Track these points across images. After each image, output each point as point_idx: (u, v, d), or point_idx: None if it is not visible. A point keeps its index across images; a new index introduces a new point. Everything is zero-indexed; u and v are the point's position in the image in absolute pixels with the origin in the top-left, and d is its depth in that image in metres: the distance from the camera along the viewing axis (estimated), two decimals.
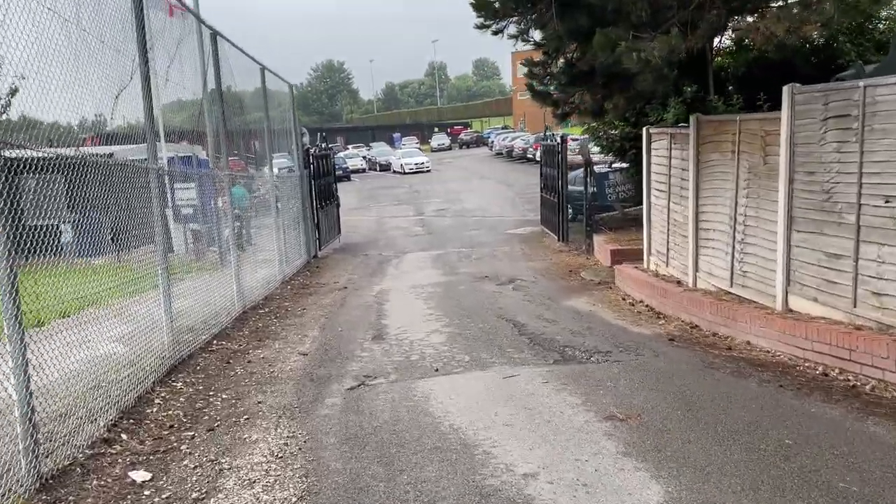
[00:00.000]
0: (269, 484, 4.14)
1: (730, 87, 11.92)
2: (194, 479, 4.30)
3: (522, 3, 8.77)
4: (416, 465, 4.20)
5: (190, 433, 5.08)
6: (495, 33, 9.04)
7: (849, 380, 5.31)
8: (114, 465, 4.54)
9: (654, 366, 6.06)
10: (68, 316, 5.32)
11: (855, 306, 5.83)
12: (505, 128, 66.32)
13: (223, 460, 4.54)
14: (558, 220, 14.55)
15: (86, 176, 5.13)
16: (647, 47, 6.90)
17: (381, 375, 6.17)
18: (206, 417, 5.40)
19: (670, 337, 7.16)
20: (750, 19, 8.63)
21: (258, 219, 11.71)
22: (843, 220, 5.92)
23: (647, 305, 8.78)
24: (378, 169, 47.21)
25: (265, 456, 4.55)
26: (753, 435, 4.35)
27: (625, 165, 14.19)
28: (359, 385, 5.93)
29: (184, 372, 6.51)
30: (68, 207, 5.16)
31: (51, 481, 4.18)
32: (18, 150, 4.23)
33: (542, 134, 22.69)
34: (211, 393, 5.98)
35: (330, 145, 19.11)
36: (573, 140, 16.28)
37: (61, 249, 5.24)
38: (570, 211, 14.46)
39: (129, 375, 5.70)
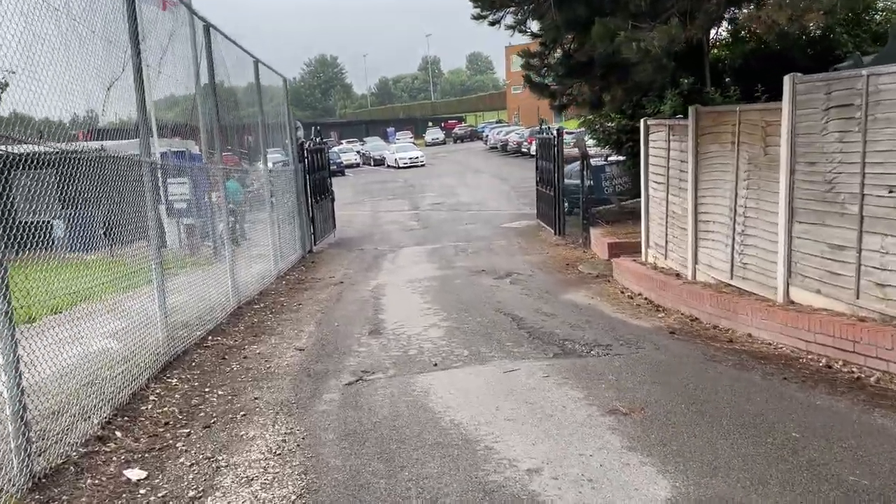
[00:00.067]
0: (267, 481, 4.05)
1: (727, 79, 11.85)
2: (191, 477, 4.22)
3: None
4: (418, 462, 4.13)
5: (186, 430, 4.99)
6: (492, 24, 8.94)
7: (853, 372, 5.25)
8: (108, 464, 4.45)
9: (655, 359, 6.00)
10: (60, 312, 5.23)
11: (858, 298, 5.77)
12: (499, 122, 66.22)
13: (220, 457, 4.46)
14: (555, 213, 14.48)
15: (77, 170, 5.03)
16: (646, 37, 6.82)
17: (380, 370, 6.09)
18: (202, 414, 5.31)
19: (671, 330, 7.10)
20: (747, 10, 8.56)
21: (252, 213, 11.60)
22: (846, 210, 5.85)
23: (645, 298, 8.71)
24: (372, 163, 47.05)
25: (263, 453, 4.47)
26: (759, 428, 4.29)
27: (621, 158, 14.12)
28: (357, 380, 5.85)
29: (179, 368, 6.41)
30: (60, 202, 5.06)
31: (44, 480, 4.09)
32: (8, 146, 4.13)
33: (537, 128, 22.59)
34: (206, 389, 5.89)
35: (324, 140, 18.98)
36: (568, 133, 16.21)
37: (53, 244, 5.15)
38: (566, 204, 14.38)
39: (122, 372, 5.60)
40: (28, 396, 4.12)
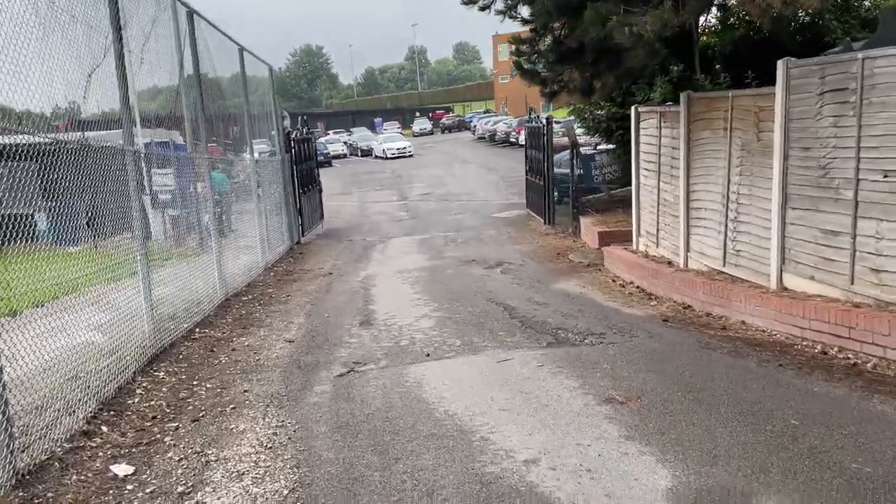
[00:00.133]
0: (258, 476, 3.96)
1: (716, 66, 11.78)
2: (179, 472, 4.12)
3: None
4: (413, 453, 4.04)
5: (174, 424, 4.88)
6: (482, 9, 8.81)
7: (849, 358, 5.22)
8: (94, 459, 4.33)
9: (649, 347, 5.95)
10: (44, 305, 5.09)
11: (852, 283, 5.74)
12: (487, 112, 66.01)
13: (209, 452, 4.36)
14: (544, 202, 14.40)
15: (59, 161, 4.89)
16: (639, 21, 6.72)
17: (371, 361, 5.99)
18: (191, 407, 5.20)
19: (664, 318, 7.05)
20: None
21: (239, 204, 11.44)
22: (841, 195, 5.81)
23: (637, 287, 8.67)
24: (359, 154, 46.74)
25: (254, 446, 4.37)
26: (758, 416, 4.24)
27: (611, 147, 14.04)
28: (348, 372, 5.75)
29: (166, 361, 6.29)
30: (42, 195, 4.92)
31: (28, 477, 3.97)
32: None
33: (525, 117, 22.49)
34: (195, 382, 5.77)
35: (311, 130, 18.79)
36: (557, 123, 16.11)
37: (36, 237, 5.02)
38: (555, 194, 14.30)
39: (108, 365, 5.48)
40: (10, 391, 4.00)
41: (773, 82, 6.72)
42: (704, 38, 12.59)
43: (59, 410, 4.62)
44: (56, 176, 4.87)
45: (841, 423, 4.01)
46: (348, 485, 3.74)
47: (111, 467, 4.24)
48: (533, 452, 3.93)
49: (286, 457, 4.17)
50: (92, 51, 5.85)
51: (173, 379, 5.85)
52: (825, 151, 5.95)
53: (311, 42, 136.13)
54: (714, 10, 11.42)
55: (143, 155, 7.31)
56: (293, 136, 14.96)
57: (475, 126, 52.14)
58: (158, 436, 4.68)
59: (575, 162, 13.36)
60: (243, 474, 4.00)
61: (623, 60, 7.90)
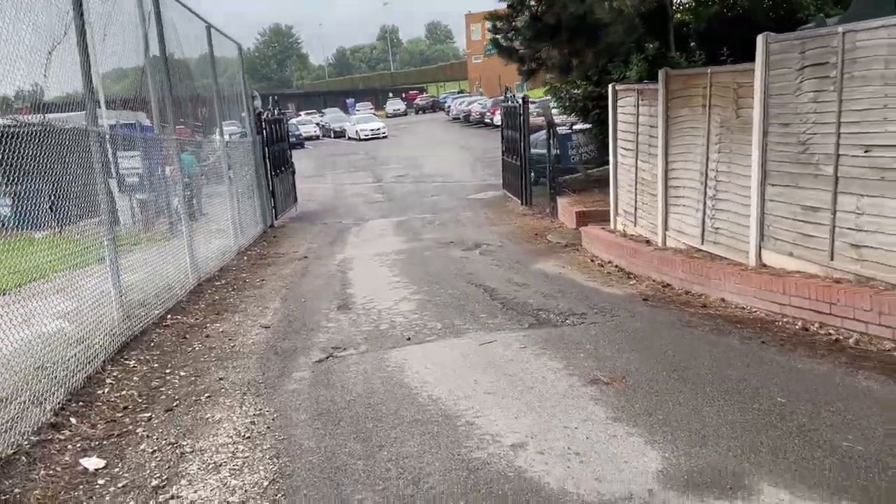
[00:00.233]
0: (236, 467, 3.82)
1: (691, 44, 11.74)
2: (153, 464, 3.96)
3: None
4: (396, 440, 3.94)
5: (146, 414, 4.71)
6: None
7: (830, 334, 5.22)
8: (63, 453, 4.16)
9: (631, 326, 5.90)
10: (7, 293, 4.88)
11: (832, 259, 5.73)
12: (461, 92, 65.63)
13: (184, 443, 4.21)
14: (521, 183, 14.31)
15: (20, 144, 4.65)
16: None
17: (351, 346, 5.86)
18: (164, 397, 5.04)
19: (644, 297, 7.02)
20: None
21: (210, 187, 11.15)
22: (821, 171, 5.78)
23: (616, 266, 8.63)
24: (332, 136, 46.16)
25: (231, 436, 4.23)
26: (744, 394, 4.20)
27: (587, 126, 13.97)
28: (327, 357, 5.62)
29: (137, 349, 6.09)
30: (5, 179, 4.69)
31: None
32: None
33: (500, 97, 22.32)
34: (167, 370, 5.60)
35: (282, 111, 18.43)
36: (532, 103, 15.97)
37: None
38: (532, 174, 14.21)
39: (76, 354, 5.28)
40: None
41: (747, 59, 6.66)
42: (679, 15, 12.53)
43: (25, 402, 4.43)
44: (17, 159, 4.64)
45: (827, 400, 3.98)
46: (331, 474, 3.63)
47: (81, 461, 4.07)
48: (520, 436, 3.85)
49: (265, 446, 4.04)
50: (49, 25, 5.57)
51: (145, 367, 5.67)
52: (805, 127, 5.92)
53: (280, 21, 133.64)
54: None
55: (108, 136, 7.06)
56: (264, 116, 14.63)
57: (449, 107, 51.80)
58: (130, 427, 4.52)
59: (552, 142, 13.27)
60: (220, 466, 3.86)
61: (601, 37, 7.78)
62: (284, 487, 3.55)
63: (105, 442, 4.31)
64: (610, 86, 9.89)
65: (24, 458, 4.01)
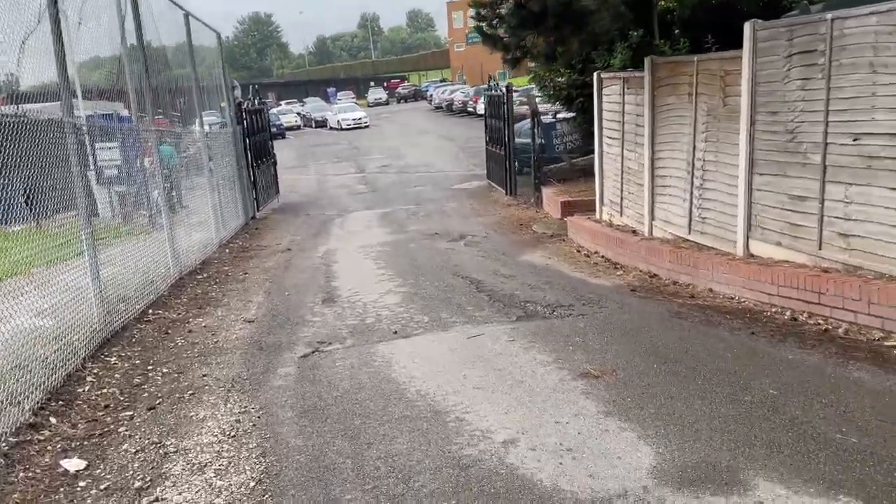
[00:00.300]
0: (222, 467, 3.73)
1: (675, 31, 11.69)
2: (136, 465, 3.86)
3: None
4: (385, 437, 3.86)
5: (128, 413, 4.60)
6: None
7: (819, 324, 5.21)
8: (43, 454, 4.05)
9: (620, 318, 5.86)
10: None
11: (820, 249, 5.72)
12: (443, 81, 65.32)
13: (168, 442, 4.11)
14: (506, 173, 14.22)
15: None
16: None
17: (337, 341, 5.77)
18: (146, 395, 4.92)
19: (631, 287, 6.98)
20: None
21: (190, 179, 10.95)
22: (809, 160, 5.76)
23: (602, 256, 8.60)
24: (314, 125, 45.76)
25: (216, 435, 4.13)
26: (735, 386, 4.17)
27: (571, 115, 13.89)
28: (313, 352, 5.53)
29: (118, 345, 5.97)
30: None
31: None
32: None
33: (483, 86, 22.19)
34: (149, 367, 5.48)
35: (263, 100, 18.17)
36: (515, 91, 15.85)
37: None
38: (516, 164, 14.13)
39: (55, 351, 5.15)
40: None
41: (732, 46, 6.61)
42: (663, 2, 12.47)
43: (2, 402, 4.29)
44: None
45: (819, 392, 3.96)
46: (319, 473, 3.55)
47: (61, 462, 3.97)
48: (511, 432, 3.79)
49: (251, 445, 3.95)
50: (22, 12, 5.39)
51: (126, 364, 5.54)
52: (793, 115, 5.88)
53: (259, 10, 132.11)
54: None
55: (84, 127, 6.88)
56: (245, 106, 14.40)
57: (432, 95, 51.55)
58: (112, 426, 4.41)
59: (536, 131, 13.19)
60: (205, 466, 3.77)
61: (589, 24, 7.69)
62: (271, 488, 3.46)
63: (86, 442, 4.20)
64: (595, 74, 9.82)
65: (2, 459, 3.90)
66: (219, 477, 3.63)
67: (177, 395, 4.85)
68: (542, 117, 14.09)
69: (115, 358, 5.66)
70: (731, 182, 6.75)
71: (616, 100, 9.21)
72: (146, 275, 7.46)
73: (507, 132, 13.84)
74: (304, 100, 59.64)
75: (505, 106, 13.79)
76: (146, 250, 7.74)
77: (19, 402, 4.45)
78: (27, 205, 5.41)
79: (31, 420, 4.41)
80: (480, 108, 26.32)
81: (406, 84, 71.36)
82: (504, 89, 14.02)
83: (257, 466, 3.70)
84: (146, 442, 4.14)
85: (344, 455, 3.71)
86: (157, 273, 7.78)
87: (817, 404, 3.80)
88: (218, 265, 9.48)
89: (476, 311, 6.33)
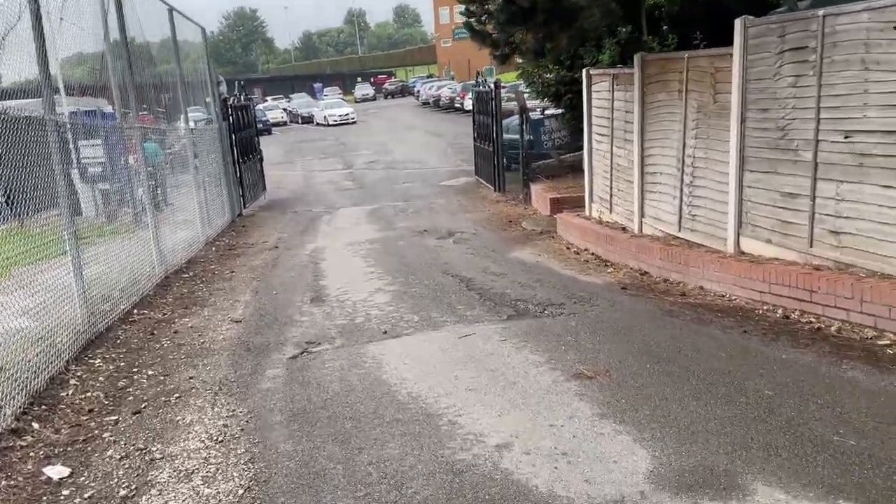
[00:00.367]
0: (209, 474, 3.65)
1: (664, 28, 11.67)
2: (121, 472, 3.77)
3: None
4: (377, 442, 3.79)
5: (113, 417, 4.50)
6: None
7: (812, 322, 5.19)
8: (25, 461, 3.95)
9: (612, 317, 5.82)
10: None
11: (811, 246, 5.71)
12: (430, 76, 65.11)
13: (154, 448, 4.01)
14: (494, 170, 14.17)
15: None
16: None
17: (326, 341, 5.69)
18: (131, 398, 4.82)
19: (622, 285, 6.95)
20: None
21: (175, 176, 10.80)
22: (800, 157, 5.74)
23: (592, 254, 8.56)
24: (300, 121, 45.40)
25: (203, 441, 4.04)
26: (730, 387, 4.14)
27: (559, 111, 13.84)
28: (302, 353, 5.44)
29: (102, 347, 5.85)
30: None
31: None
32: None
33: (470, 82, 22.10)
34: (135, 369, 5.37)
35: (249, 96, 17.99)
36: (503, 87, 15.78)
37: None
38: (504, 160, 14.08)
39: (37, 354, 5.03)
40: None
41: (721, 43, 6.58)
42: None
43: None
44: None
45: (815, 393, 3.93)
46: (309, 480, 3.48)
47: (44, 469, 3.86)
48: (504, 436, 3.73)
49: (239, 451, 3.87)
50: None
51: (111, 366, 5.43)
52: (784, 112, 5.86)
53: (244, 5, 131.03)
54: None
55: (67, 125, 6.74)
56: (231, 102, 14.24)
57: (419, 91, 51.33)
58: (96, 431, 4.31)
59: (524, 127, 13.14)
60: (192, 473, 3.68)
61: (579, 20, 7.63)
62: (261, 496, 3.39)
63: (70, 448, 4.10)
64: (584, 70, 9.77)
65: None
66: (206, 485, 3.55)
67: (163, 399, 4.75)
68: (530, 113, 14.04)
69: (99, 360, 5.55)
70: (722, 179, 6.72)
71: (605, 96, 9.17)
72: (131, 274, 7.34)
73: (495, 128, 13.78)
74: (291, 95, 59.20)
75: (493, 102, 13.72)
76: (131, 249, 7.61)
77: (0, 407, 4.34)
78: (7, 204, 5.28)
79: (13, 425, 4.30)
80: (468, 105, 26.24)
81: (393, 80, 71.08)
82: (492, 85, 13.95)
83: (246, 473, 3.62)
84: (131, 448, 4.05)
85: (335, 460, 3.64)
86: (142, 272, 7.66)
87: (813, 405, 3.77)
88: (204, 264, 9.36)
89: (467, 309, 6.27)
